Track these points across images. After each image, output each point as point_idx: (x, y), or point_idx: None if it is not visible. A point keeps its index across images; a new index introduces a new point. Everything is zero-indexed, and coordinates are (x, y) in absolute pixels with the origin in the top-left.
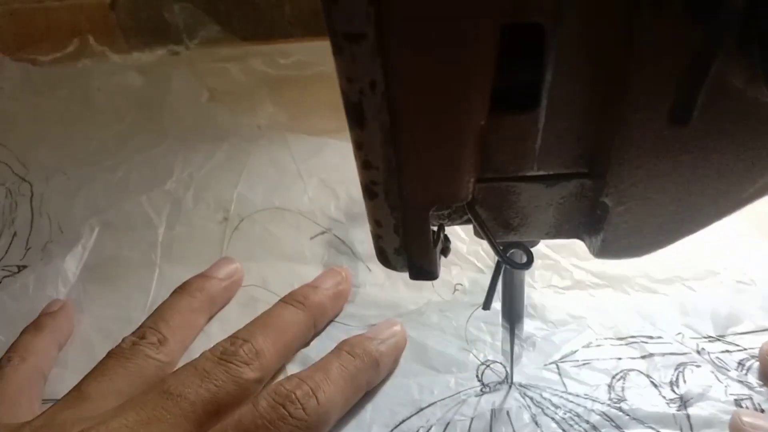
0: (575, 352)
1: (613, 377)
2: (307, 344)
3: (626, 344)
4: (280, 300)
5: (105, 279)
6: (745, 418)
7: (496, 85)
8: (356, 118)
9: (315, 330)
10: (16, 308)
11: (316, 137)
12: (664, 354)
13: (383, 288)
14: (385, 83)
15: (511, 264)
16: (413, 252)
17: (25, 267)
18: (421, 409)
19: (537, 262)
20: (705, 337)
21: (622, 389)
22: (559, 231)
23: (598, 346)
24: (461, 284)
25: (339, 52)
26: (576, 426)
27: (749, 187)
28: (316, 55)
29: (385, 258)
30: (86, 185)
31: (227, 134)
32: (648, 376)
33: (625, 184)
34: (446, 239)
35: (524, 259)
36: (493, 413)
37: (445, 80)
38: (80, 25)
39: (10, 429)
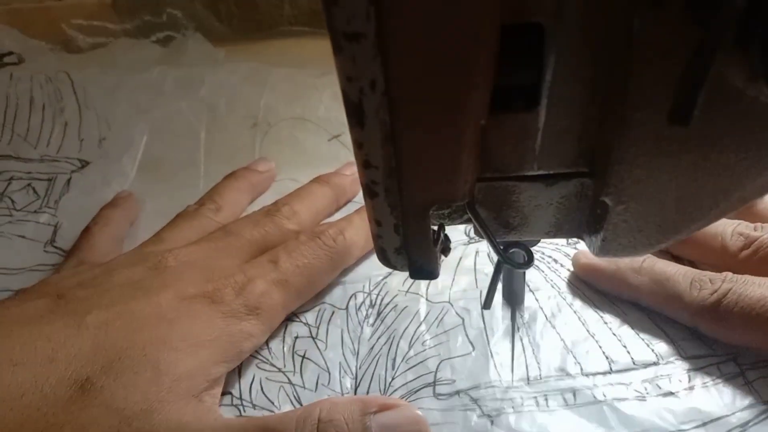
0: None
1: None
2: (331, 215)
3: None
4: (310, 180)
5: (159, 177)
6: (583, 252)
7: (496, 85)
8: (356, 117)
9: (337, 205)
10: (89, 201)
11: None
12: None
13: None
14: (385, 83)
15: (512, 263)
16: (414, 251)
17: (86, 162)
18: None
19: None
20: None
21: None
22: (560, 230)
23: None
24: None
25: (339, 52)
26: (543, 261)
27: (749, 186)
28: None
29: (385, 257)
30: (123, 84)
31: (246, 60)
32: None
33: (625, 184)
34: (446, 238)
35: (524, 259)
36: (477, 254)
37: (446, 80)
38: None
39: (106, 264)
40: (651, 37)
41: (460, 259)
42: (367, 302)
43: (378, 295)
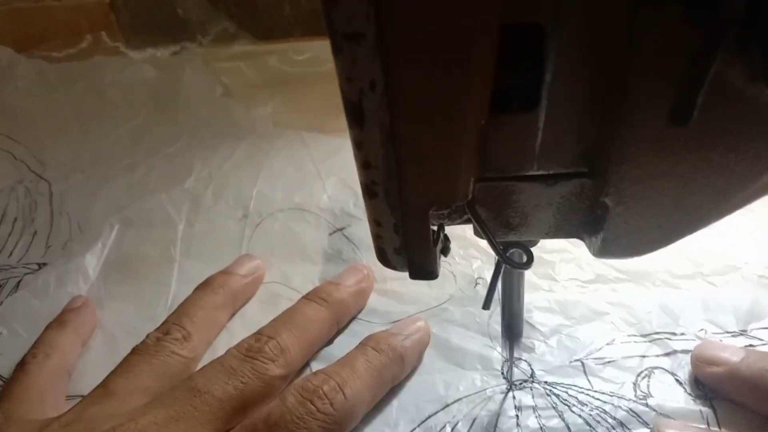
0: (600, 349)
1: (638, 375)
2: (330, 342)
3: (650, 341)
4: (302, 297)
5: (125, 276)
6: (665, 429)
7: (496, 85)
8: (356, 117)
9: (338, 327)
10: (38, 305)
11: (333, 136)
12: (687, 351)
13: (405, 284)
14: (384, 83)
15: (511, 264)
16: (413, 251)
17: (45, 264)
18: (447, 405)
19: (559, 256)
20: (728, 333)
21: (648, 387)
22: (559, 230)
23: (622, 342)
24: (482, 278)
25: (339, 52)
26: (603, 422)
27: (749, 186)
28: (330, 53)
29: (385, 258)
30: (106, 184)
31: (244, 132)
32: (673, 374)
33: (625, 184)
34: (446, 239)
35: (524, 259)
36: (519, 410)
37: (445, 80)
38: (80, 24)
39: (38, 425)
40: (651, 37)
41: (498, 417)
42: None
43: None
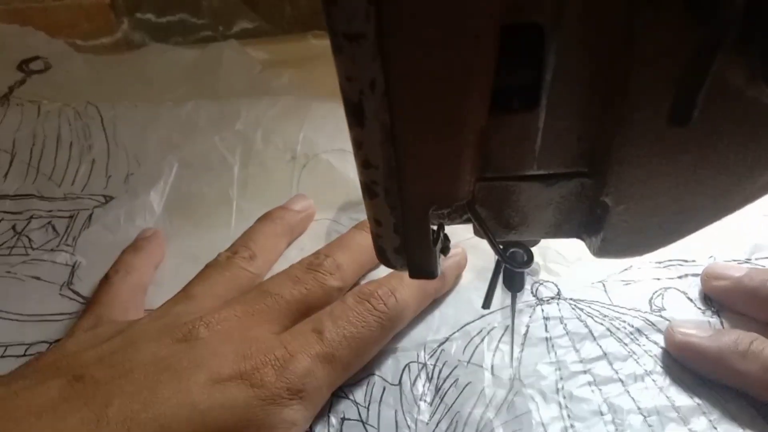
0: (618, 272)
1: (654, 293)
2: (378, 266)
3: (664, 267)
4: (353, 227)
5: (188, 213)
6: (678, 328)
7: (496, 85)
8: (356, 117)
9: None
10: (110, 238)
11: None
12: (697, 275)
13: None
14: (385, 83)
15: (511, 263)
16: (413, 251)
17: (111, 198)
18: (483, 316)
19: None
20: (735, 260)
21: (662, 302)
22: (559, 230)
23: (639, 268)
24: None
25: (339, 52)
26: (622, 329)
27: (749, 186)
28: None
29: (385, 257)
30: (155, 120)
31: (283, 93)
32: (684, 293)
33: (625, 184)
34: (446, 238)
35: (524, 259)
36: (548, 319)
37: (445, 80)
38: (80, 24)
39: (127, 323)
40: (651, 37)
41: (528, 327)
42: (423, 375)
43: (435, 366)
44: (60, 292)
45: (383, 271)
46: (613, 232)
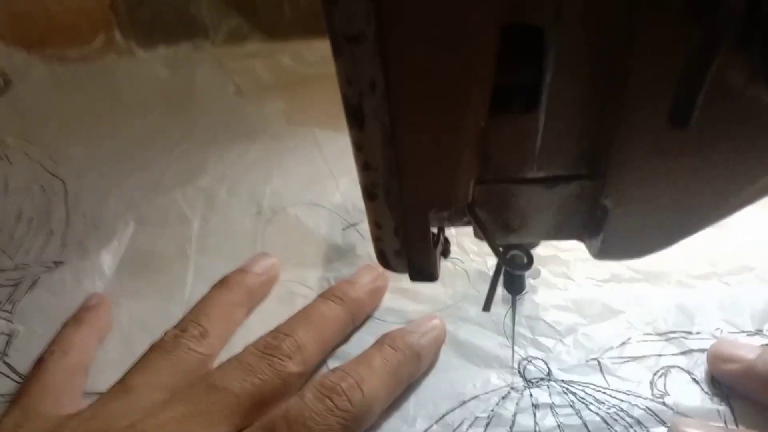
0: (616, 347)
1: (655, 374)
2: (346, 340)
3: (665, 340)
4: (318, 296)
5: (141, 273)
6: (683, 428)
7: (495, 86)
8: (356, 119)
9: (353, 326)
10: (54, 303)
11: (346, 134)
12: (703, 350)
13: (419, 283)
14: (385, 84)
15: (511, 265)
16: (413, 254)
17: (61, 263)
18: (464, 402)
19: (574, 254)
20: (743, 332)
21: (664, 385)
22: (559, 232)
23: (638, 341)
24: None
25: (339, 53)
26: (620, 421)
27: (749, 187)
28: None
29: (385, 260)
30: (120, 183)
31: (257, 131)
32: (689, 373)
33: (625, 185)
34: (446, 241)
35: (524, 261)
36: (537, 407)
37: (445, 81)
38: (80, 26)
39: (56, 421)
40: (651, 37)
41: (515, 417)
42: None
43: None
44: None
45: (353, 344)
46: (612, 233)
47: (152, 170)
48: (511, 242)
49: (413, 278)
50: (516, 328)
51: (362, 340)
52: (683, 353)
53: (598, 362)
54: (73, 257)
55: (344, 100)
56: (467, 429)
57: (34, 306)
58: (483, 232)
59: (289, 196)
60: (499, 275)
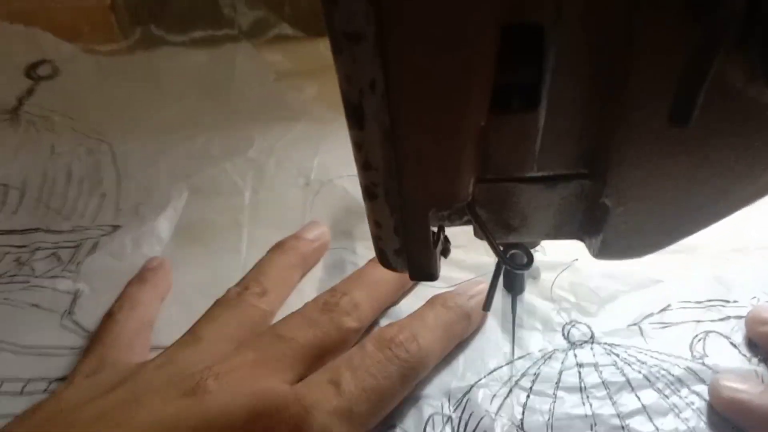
0: (656, 313)
1: (694, 338)
2: (396, 302)
3: (704, 308)
4: (370, 260)
5: (196, 240)
6: (724, 382)
7: (495, 85)
8: (356, 118)
9: (403, 289)
10: (116, 265)
11: None
12: (741, 317)
13: (466, 250)
14: (385, 83)
15: (511, 265)
16: (413, 253)
17: (119, 227)
18: (511, 362)
19: None
20: None
21: (703, 348)
22: (559, 232)
23: (677, 309)
24: (540, 246)
25: (339, 53)
26: (662, 378)
27: (749, 186)
28: None
29: (385, 259)
30: (167, 151)
31: (298, 114)
32: (727, 338)
33: (625, 185)
34: (446, 240)
35: (524, 260)
36: (581, 366)
37: (445, 81)
38: (80, 26)
39: (132, 367)
40: (651, 36)
41: (560, 375)
42: (448, 430)
43: (461, 418)
44: (61, 323)
45: (403, 306)
46: (613, 233)
47: (198, 141)
48: (511, 241)
49: (413, 277)
50: (560, 293)
51: (411, 303)
52: (721, 320)
53: (639, 327)
54: (130, 222)
55: (344, 100)
56: (515, 384)
57: (97, 268)
58: (483, 232)
59: (336, 168)
60: (500, 275)
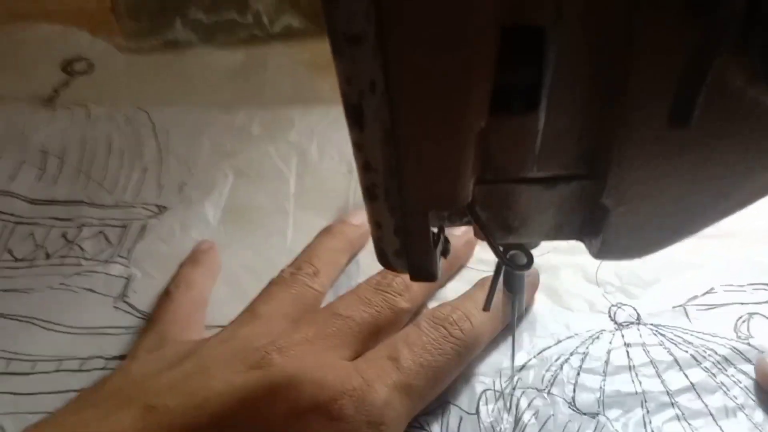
0: (700, 296)
1: (738, 319)
2: (443, 285)
3: (746, 291)
4: None
5: (244, 224)
6: None
7: (495, 86)
8: (356, 119)
9: (450, 272)
10: (166, 250)
11: None
12: None
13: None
14: (385, 84)
15: (511, 265)
16: (413, 253)
17: (165, 208)
18: (560, 341)
19: None
20: None
21: (748, 329)
22: (559, 232)
23: (720, 292)
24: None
25: (339, 53)
26: (709, 358)
27: (750, 186)
28: None
29: (385, 259)
30: (207, 126)
31: (333, 101)
32: None
33: (625, 185)
34: (446, 240)
35: (524, 261)
36: (629, 346)
37: (445, 81)
38: (80, 26)
39: (193, 344)
40: (651, 36)
41: (609, 354)
42: (501, 405)
43: (512, 395)
44: (114, 305)
45: (449, 289)
46: (613, 233)
47: (238, 117)
48: (511, 242)
49: (413, 278)
50: (606, 276)
51: (459, 286)
52: (765, 302)
53: (684, 309)
54: (176, 205)
55: (344, 100)
56: (564, 363)
57: (148, 252)
58: (483, 232)
59: None
60: (499, 275)
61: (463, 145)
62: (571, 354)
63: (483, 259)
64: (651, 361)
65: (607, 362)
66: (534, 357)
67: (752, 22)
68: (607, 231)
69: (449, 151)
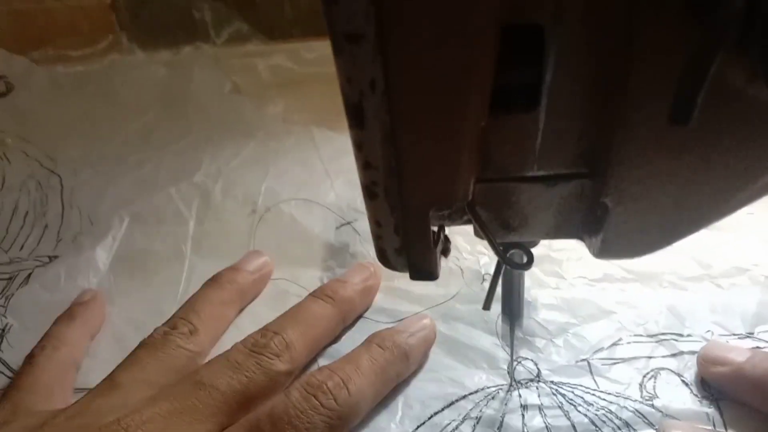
0: (606, 348)
1: (644, 376)
2: (336, 339)
3: (656, 341)
4: (309, 294)
5: (135, 270)
6: (671, 430)
7: (496, 85)
8: (356, 118)
9: (344, 325)
10: (48, 298)
11: (343, 134)
12: (694, 352)
13: (412, 282)
14: (385, 83)
15: (511, 264)
16: (413, 252)
17: (56, 257)
18: (453, 403)
19: (566, 254)
20: (734, 335)
21: (654, 387)
22: (559, 231)
23: (629, 343)
24: (489, 274)
25: (339, 53)
26: (609, 423)
27: (749, 186)
28: None
29: (385, 258)
30: (115, 179)
31: (253, 129)
32: (679, 375)
33: (625, 184)
34: (446, 239)
35: (524, 260)
36: (525, 408)
37: (445, 80)
38: (81, 26)
39: (44, 416)
40: (651, 36)
41: (503, 417)
42: None
43: None
44: None
45: (344, 344)
46: (613, 232)
47: (147, 168)
48: (511, 241)
49: (413, 277)
50: (507, 327)
51: (353, 339)
52: (673, 355)
53: (588, 363)
54: (67, 252)
55: (344, 100)
56: (455, 429)
57: (28, 301)
58: (483, 231)
59: (284, 193)
60: (500, 274)
61: (463, 144)
62: (464, 419)
63: (383, 308)
64: (546, 427)
65: (500, 428)
66: (424, 423)
67: (752, 22)
68: (607, 230)
69: (449, 150)
